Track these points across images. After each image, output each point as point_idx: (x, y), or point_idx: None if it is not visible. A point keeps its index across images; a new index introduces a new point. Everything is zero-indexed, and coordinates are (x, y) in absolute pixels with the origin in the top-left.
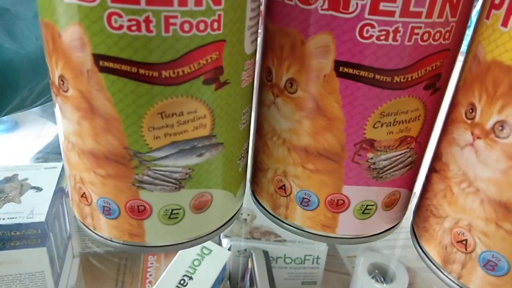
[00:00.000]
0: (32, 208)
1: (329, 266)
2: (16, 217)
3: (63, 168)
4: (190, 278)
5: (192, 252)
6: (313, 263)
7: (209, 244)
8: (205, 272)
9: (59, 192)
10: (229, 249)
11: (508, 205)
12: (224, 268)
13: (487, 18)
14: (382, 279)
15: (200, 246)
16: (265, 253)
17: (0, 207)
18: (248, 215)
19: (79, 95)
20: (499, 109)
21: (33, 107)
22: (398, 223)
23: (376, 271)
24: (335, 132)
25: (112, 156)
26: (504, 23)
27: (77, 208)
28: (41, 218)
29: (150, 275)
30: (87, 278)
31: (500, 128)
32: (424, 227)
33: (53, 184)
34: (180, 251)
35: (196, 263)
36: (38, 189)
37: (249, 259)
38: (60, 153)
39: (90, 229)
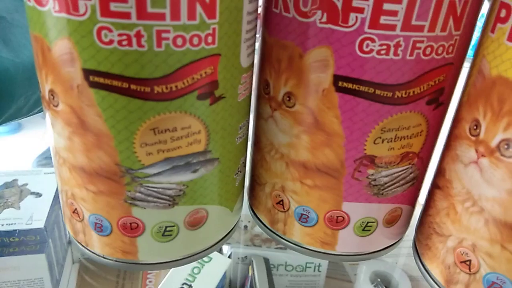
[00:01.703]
0: (31, 214)
1: (330, 274)
2: (15, 223)
3: None
4: (190, 286)
5: None
6: (314, 270)
7: None
8: (205, 280)
9: (59, 197)
10: (229, 256)
11: None
12: (224, 276)
13: (492, 31)
14: (385, 287)
15: None
16: (266, 261)
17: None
18: (249, 222)
19: (69, 110)
20: (504, 126)
21: (29, 116)
22: (400, 239)
23: (379, 279)
24: (334, 148)
25: (104, 172)
26: (510, 38)
27: (69, 224)
28: (40, 224)
29: (150, 281)
30: (87, 284)
31: (505, 146)
32: (427, 244)
33: (53, 189)
34: None
35: (195, 271)
36: (38, 194)
37: (250, 267)
38: None
39: (82, 245)
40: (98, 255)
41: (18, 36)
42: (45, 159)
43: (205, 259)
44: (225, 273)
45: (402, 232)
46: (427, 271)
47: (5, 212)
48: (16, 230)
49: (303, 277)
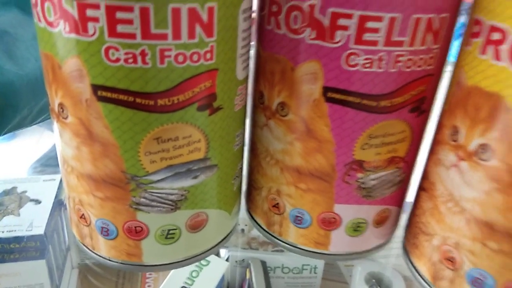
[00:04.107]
0: (31, 221)
1: (327, 275)
2: (15, 230)
3: (61, 180)
4: None
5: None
6: (310, 272)
7: None
8: (203, 283)
9: (58, 204)
10: (227, 260)
11: (493, 225)
12: (222, 279)
13: (468, 45)
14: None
15: None
16: (263, 263)
17: (0, 220)
18: (246, 225)
19: (78, 122)
20: (480, 132)
21: (32, 125)
22: (389, 238)
23: (373, 280)
24: (325, 154)
25: (110, 179)
26: (483, 51)
27: (76, 229)
28: (40, 230)
29: (149, 286)
30: None
31: (482, 151)
32: (414, 243)
33: (52, 196)
34: None
35: (194, 274)
36: (37, 201)
37: (247, 269)
38: (58, 163)
39: (89, 249)
40: (104, 258)
41: (22, 50)
42: (40, 165)
43: (204, 262)
44: (223, 276)
45: (391, 232)
46: (415, 268)
47: (5, 219)
48: (16, 237)
49: (300, 279)
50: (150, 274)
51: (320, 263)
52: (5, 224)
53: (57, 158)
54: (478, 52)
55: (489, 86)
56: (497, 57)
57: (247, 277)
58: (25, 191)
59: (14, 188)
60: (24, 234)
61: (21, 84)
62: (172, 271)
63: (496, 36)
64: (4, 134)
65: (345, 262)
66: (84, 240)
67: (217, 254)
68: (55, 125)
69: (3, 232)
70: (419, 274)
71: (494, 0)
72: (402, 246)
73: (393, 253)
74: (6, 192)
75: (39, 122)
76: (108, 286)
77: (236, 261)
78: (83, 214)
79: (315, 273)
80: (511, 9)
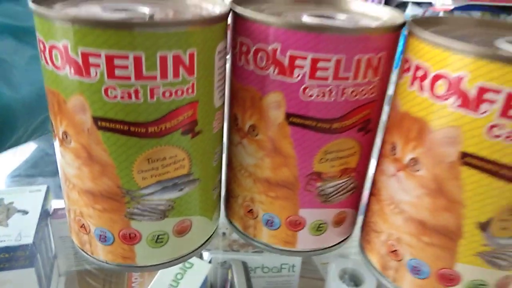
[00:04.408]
0: (20, 231)
1: (304, 273)
2: (4, 240)
3: (47, 190)
4: None
5: (175, 266)
6: (289, 271)
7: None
8: (188, 285)
9: (44, 214)
10: (210, 262)
11: (424, 222)
12: (205, 280)
13: (401, 78)
14: (353, 282)
15: None
16: (244, 264)
17: None
18: (227, 229)
19: (80, 147)
20: (411, 149)
21: (26, 143)
22: (348, 236)
23: (346, 275)
24: (289, 167)
25: (108, 194)
26: (411, 84)
27: (76, 237)
28: (29, 240)
29: None
30: None
31: (413, 163)
32: (367, 240)
33: (39, 206)
34: None
35: (179, 276)
36: (24, 212)
37: (229, 270)
38: (36, 170)
39: (88, 254)
40: (102, 261)
41: (17, 76)
42: (18, 176)
43: (187, 265)
44: (206, 277)
45: (349, 231)
46: (368, 261)
47: None
48: (6, 247)
49: (279, 277)
50: (136, 278)
51: (297, 262)
52: None
53: (34, 167)
54: (408, 85)
55: (416, 112)
56: (421, 89)
57: (229, 277)
58: (12, 202)
59: (1, 199)
60: (13, 244)
61: (17, 106)
62: (158, 274)
63: (420, 73)
64: (2, 151)
65: (322, 258)
66: (84, 247)
67: (200, 257)
68: (59, 149)
69: None
70: (372, 266)
71: (418, 44)
72: (359, 242)
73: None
74: None
75: (32, 140)
76: None
77: (218, 263)
78: (83, 224)
79: (293, 271)
80: (431, 52)
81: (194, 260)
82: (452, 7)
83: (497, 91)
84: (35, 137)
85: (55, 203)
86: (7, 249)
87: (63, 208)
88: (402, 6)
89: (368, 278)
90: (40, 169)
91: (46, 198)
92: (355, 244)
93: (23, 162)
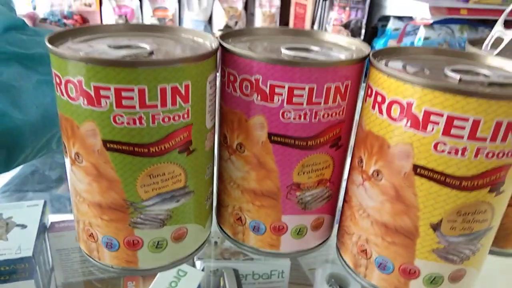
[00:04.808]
0: (19, 244)
1: (293, 279)
2: (5, 254)
3: (44, 204)
4: None
5: (169, 275)
6: (278, 277)
7: (184, 266)
8: None
9: (42, 228)
10: (202, 270)
11: (387, 224)
12: None
13: (365, 102)
14: (339, 287)
15: (176, 269)
16: (235, 271)
17: None
18: (218, 238)
19: (90, 166)
20: (374, 162)
21: (31, 160)
22: (326, 239)
23: (333, 280)
24: (272, 179)
25: (114, 206)
26: (373, 107)
27: (84, 245)
28: (29, 253)
29: None
30: None
31: (376, 174)
32: (342, 241)
33: (37, 220)
34: (158, 275)
35: (173, 284)
36: (23, 226)
37: (221, 278)
38: (26, 185)
39: (95, 260)
40: (108, 266)
41: (25, 100)
42: (8, 190)
43: (181, 273)
44: (199, 285)
45: (327, 235)
46: (343, 260)
47: None
48: (6, 260)
49: (269, 283)
50: None
51: (286, 269)
52: None
53: (23, 182)
54: (370, 108)
55: (377, 131)
56: (381, 112)
57: (221, 284)
58: (11, 217)
59: (0, 214)
60: (13, 257)
61: (25, 128)
62: (153, 283)
63: (379, 98)
64: (11, 169)
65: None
66: (92, 254)
67: (193, 265)
68: (70, 167)
69: None
70: (346, 264)
71: (377, 74)
72: (335, 245)
73: None
74: None
75: (37, 158)
76: None
77: (210, 271)
78: (91, 233)
79: (282, 277)
80: (387, 81)
81: (187, 268)
82: (431, 21)
83: (439, 115)
84: (40, 156)
85: (52, 217)
86: (7, 262)
87: (59, 222)
88: (384, 20)
89: (353, 281)
90: (30, 184)
91: (43, 212)
92: None
93: (13, 177)
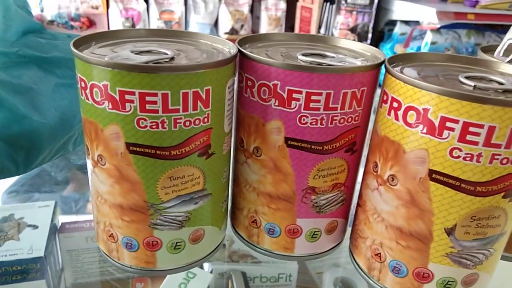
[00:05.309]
0: (31, 245)
1: (300, 283)
2: (17, 254)
3: (55, 205)
4: None
5: (178, 277)
6: (286, 280)
7: (193, 268)
8: None
9: (53, 228)
10: (211, 272)
11: (401, 228)
12: None
13: (381, 107)
14: None
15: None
16: (243, 274)
17: (1, 245)
18: (227, 240)
19: (113, 168)
20: (389, 167)
21: (49, 162)
22: (339, 243)
23: (340, 283)
24: (288, 183)
25: (135, 207)
26: (389, 113)
27: (104, 245)
28: (40, 253)
29: None
30: None
31: (391, 179)
32: (355, 245)
33: (48, 221)
34: (167, 277)
35: (182, 286)
36: (34, 226)
37: (229, 280)
38: (33, 186)
39: (114, 260)
40: (127, 266)
41: (44, 102)
42: (14, 191)
43: (190, 275)
44: (208, 287)
45: (340, 238)
46: (356, 263)
47: (6, 244)
48: (18, 259)
49: (277, 287)
50: None
51: (294, 272)
52: (6, 248)
53: (30, 183)
54: (386, 114)
55: (393, 136)
56: (396, 118)
57: (229, 287)
58: (22, 217)
59: (11, 215)
60: (25, 257)
61: (43, 130)
62: (162, 284)
63: (395, 104)
64: (30, 171)
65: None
66: (111, 254)
67: (202, 267)
68: (92, 169)
69: (5, 256)
70: (359, 267)
71: (393, 80)
72: (349, 248)
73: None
74: (5, 219)
75: (54, 159)
76: None
77: (219, 273)
78: (112, 234)
79: (290, 280)
80: (403, 88)
81: (196, 270)
82: (438, 25)
83: (455, 121)
84: (57, 157)
85: (62, 218)
86: (19, 262)
87: (70, 223)
88: (391, 24)
89: (360, 285)
90: (36, 186)
91: (54, 213)
92: (347, 254)
93: (19, 178)
